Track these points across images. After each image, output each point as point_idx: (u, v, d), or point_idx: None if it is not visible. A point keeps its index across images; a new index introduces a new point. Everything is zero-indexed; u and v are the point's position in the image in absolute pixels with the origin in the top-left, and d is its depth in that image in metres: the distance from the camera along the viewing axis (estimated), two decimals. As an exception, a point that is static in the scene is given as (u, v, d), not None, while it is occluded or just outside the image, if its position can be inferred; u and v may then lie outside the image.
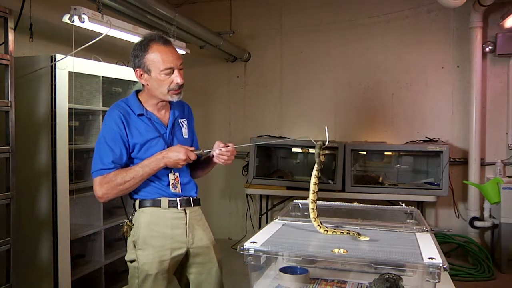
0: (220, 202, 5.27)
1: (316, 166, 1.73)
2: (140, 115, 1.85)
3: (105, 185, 1.75)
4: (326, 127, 1.78)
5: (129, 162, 1.83)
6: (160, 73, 1.80)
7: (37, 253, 2.68)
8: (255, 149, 4.52)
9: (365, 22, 4.75)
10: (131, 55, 1.85)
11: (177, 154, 1.79)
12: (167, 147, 1.86)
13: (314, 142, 1.77)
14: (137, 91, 1.95)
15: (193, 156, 1.82)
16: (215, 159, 1.91)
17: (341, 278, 1.66)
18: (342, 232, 1.72)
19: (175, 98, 1.85)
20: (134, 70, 1.85)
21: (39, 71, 2.65)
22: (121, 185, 1.76)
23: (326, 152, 1.72)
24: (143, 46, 1.81)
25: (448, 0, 3.59)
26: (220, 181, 5.17)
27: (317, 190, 1.75)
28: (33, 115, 2.67)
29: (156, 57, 1.79)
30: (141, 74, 1.84)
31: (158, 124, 1.88)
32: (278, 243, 1.61)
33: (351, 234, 1.69)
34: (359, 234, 1.65)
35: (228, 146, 1.87)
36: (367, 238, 1.61)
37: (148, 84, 1.84)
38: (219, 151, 1.86)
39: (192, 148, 1.85)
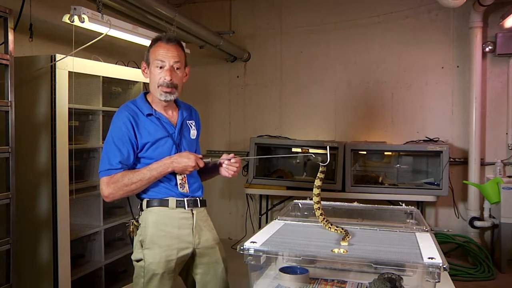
0: (220, 202, 5.28)
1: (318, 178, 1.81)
2: (149, 115, 1.87)
3: (111, 185, 1.76)
4: (328, 146, 1.85)
5: (136, 161, 1.85)
6: (154, 67, 1.85)
7: (37, 253, 2.68)
8: (255, 149, 4.52)
9: (365, 22, 4.75)
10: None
11: (187, 160, 1.82)
12: (175, 147, 1.89)
13: (312, 157, 1.83)
14: (145, 93, 1.97)
15: (202, 164, 1.85)
16: (223, 172, 1.97)
17: (341, 278, 1.66)
18: (336, 230, 1.73)
19: (163, 97, 1.85)
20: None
21: (39, 71, 2.65)
22: (128, 186, 1.77)
23: (323, 175, 1.82)
24: (152, 42, 1.90)
25: (448, 0, 3.59)
26: (220, 181, 5.17)
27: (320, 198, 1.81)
28: (33, 115, 2.67)
29: (155, 50, 1.86)
30: (145, 68, 1.91)
31: (167, 124, 1.90)
32: (278, 243, 1.61)
33: (338, 232, 1.71)
34: (347, 235, 1.65)
35: (235, 157, 1.94)
36: (346, 244, 1.57)
37: (149, 79, 1.90)
38: (228, 162, 1.93)
39: (201, 156, 1.88)
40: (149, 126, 1.86)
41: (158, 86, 1.84)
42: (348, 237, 1.63)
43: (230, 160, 1.94)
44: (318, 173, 1.80)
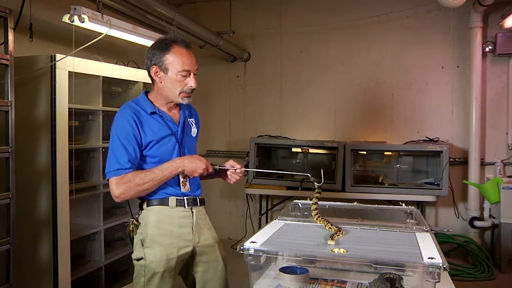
0: (220, 202, 5.27)
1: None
2: (153, 113, 1.88)
3: (123, 185, 1.76)
4: (322, 170, 1.90)
5: (140, 160, 1.85)
6: (177, 74, 1.84)
7: (37, 253, 2.68)
8: (255, 149, 4.52)
9: (365, 22, 4.75)
10: (148, 53, 1.88)
11: (199, 162, 1.84)
12: (178, 145, 1.91)
13: (308, 176, 1.89)
14: (146, 92, 1.97)
15: (210, 169, 1.89)
16: (228, 178, 2.02)
17: (341, 278, 1.66)
18: (331, 227, 1.75)
19: (185, 101, 1.90)
20: (150, 67, 1.87)
21: (39, 71, 2.65)
22: (140, 186, 1.78)
23: (320, 191, 1.89)
24: (165, 45, 1.85)
25: (448, 0, 3.59)
26: (220, 181, 5.13)
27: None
28: (33, 115, 2.67)
29: (176, 58, 1.83)
30: (157, 72, 1.86)
31: (170, 122, 1.91)
32: (278, 243, 1.61)
33: (332, 229, 1.72)
34: (337, 233, 1.66)
35: (241, 167, 1.98)
36: (333, 242, 1.57)
37: (161, 83, 1.87)
38: (233, 170, 1.98)
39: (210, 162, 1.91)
40: (152, 124, 1.86)
41: (180, 93, 1.86)
42: (337, 235, 1.64)
43: (236, 170, 1.98)
44: (315, 193, 1.84)
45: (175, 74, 1.83)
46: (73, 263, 2.82)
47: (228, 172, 2.00)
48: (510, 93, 4.43)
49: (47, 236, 2.66)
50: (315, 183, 1.84)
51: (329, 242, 1.58)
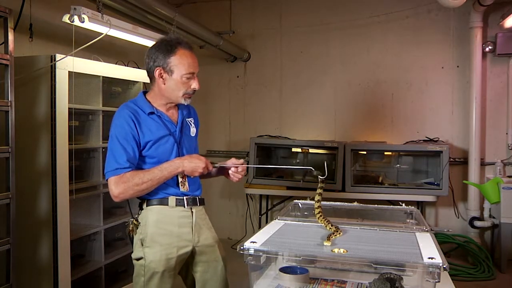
0: (220, 202, 5.27)
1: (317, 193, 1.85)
2: (151, 113, 1.88)
3: (121, 185, 1.76)
4: (325, 162, 1.89)
5: (139, 160, 1.85)
6: (182, 76, 1.84)
7: (37, 253, 2.68)
8: (255, 149, 4.52)
9: (365, 22, 4.75)
10: (151, 53, 1.86)
11: (198, 161, 1.84)
12: (177, 145, 1.91)
13: (311, 169, 1.90)
14: (144, 92, 1.96)
15: (210, 168, 1.89)
16: (231, 177, 2.00)
17: (341, 278, 1.66)
18: (331, 227, 1.74)
19: (187, 102, 1.92)
20: (154, 68, 1.85)
21: (39, 71, 2.65)
22: (138, 185, 1.77)
23: (323, 186, 1.87)
24: (170, 47, 1.84)
25: (448, 0, 3.59)
26: (220, 181, 5.16)
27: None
28: (33, 115, 2.67)
29: (182, 60, 1.84)
30: (161, 74, 1.85)
31: (168, 122, 1.91)
32: (278, 243, 1.61)
33: (332, 229, 1.72)
34: (334, 234, 1.66)
35: (242, 163, 1.97)
36: (329, 243, 1.57)
37: (164, 84, 1.86)
38: (235, 169, 1.96)
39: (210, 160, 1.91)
40: (150, 124, 1.86)
41: (183, 94, 1.87)
42: (334, 236, 1.64)
43: (237, 168, 1.97)
44: (317, 188, 1.83)
45: (180, 77, 1.84)
46: (73, 263, 2.82)
47: (230, 172, 1.99)
48: (510, 93, 4.43)
49: (47, 236, 2.66)
50: (319, 176, 1.82)
51: (325, 243, 1.57)
